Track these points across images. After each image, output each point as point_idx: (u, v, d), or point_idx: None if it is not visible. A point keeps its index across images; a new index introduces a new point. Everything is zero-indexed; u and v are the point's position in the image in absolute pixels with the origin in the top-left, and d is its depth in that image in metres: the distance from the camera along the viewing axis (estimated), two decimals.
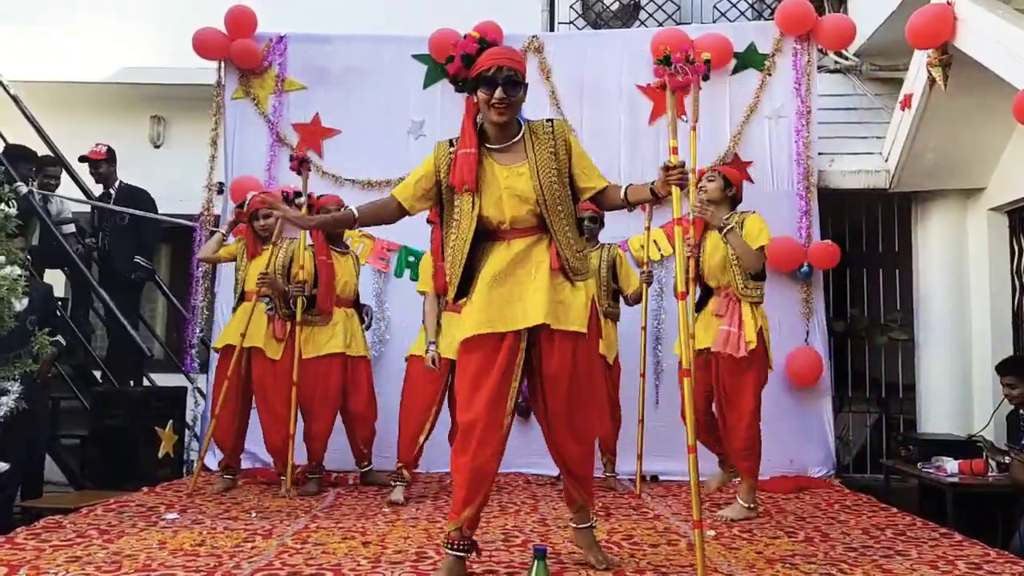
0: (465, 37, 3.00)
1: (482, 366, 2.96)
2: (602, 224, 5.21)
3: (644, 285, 5.06)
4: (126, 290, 6.42)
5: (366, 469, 5.15)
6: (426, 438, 4.62)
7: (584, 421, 3.07)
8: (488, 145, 3.05)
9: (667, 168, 2.94)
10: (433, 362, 4.43)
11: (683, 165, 2.94)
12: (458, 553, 2.98)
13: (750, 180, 5.75)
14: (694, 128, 3.82)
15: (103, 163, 6.49)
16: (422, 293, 4.70)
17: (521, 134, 3.05)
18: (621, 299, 5.23)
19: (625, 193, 3.06)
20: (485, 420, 2.91)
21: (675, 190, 2.95)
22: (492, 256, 3.03)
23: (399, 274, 6.09)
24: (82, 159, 6.52)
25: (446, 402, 4.65)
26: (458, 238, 3.02)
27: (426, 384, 4.60)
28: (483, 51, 2.96)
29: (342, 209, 4.58)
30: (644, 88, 6.03)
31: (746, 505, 4.24)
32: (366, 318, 5.25)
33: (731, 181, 4.45)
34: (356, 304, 5.19)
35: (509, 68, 2.92)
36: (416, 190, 3.09)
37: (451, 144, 3.07)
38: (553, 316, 2.96)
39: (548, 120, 3.12)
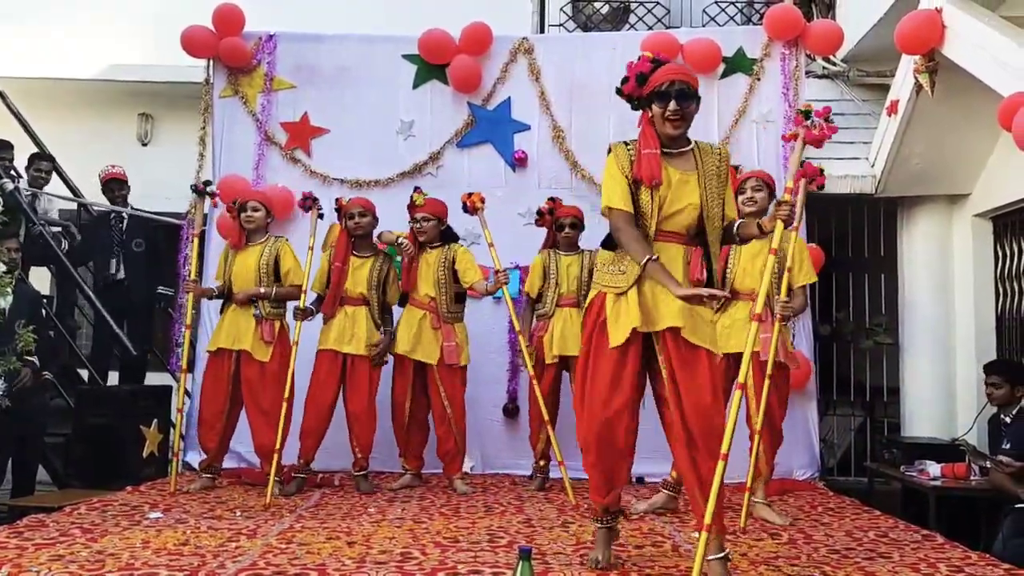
0: (640, 58, 3.16)
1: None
2: (583, 228, 5.23)
3: None
4: (142, 317, 6.40)
5: (360, 474, 5.01)
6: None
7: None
8: (666, 151, 3.15)
9: (779, 204, 3.13)
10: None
11: (791, 203, 3.15)
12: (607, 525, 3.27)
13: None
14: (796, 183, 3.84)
15: (125, 184, 6.47)
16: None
17: (691, 147, 3.19)
18: None
19: (737, 228, 3.23)
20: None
21: (779, 224, 3.12)
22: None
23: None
24: (107, 181, 6.45)
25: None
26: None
27: None
28: (656, 69, 3.11)
29: (368, 214, 5.02)
30: None
31: (769, 503, 4.36)
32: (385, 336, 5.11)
33: (773, 187, 4.47)
34: (383, 309, 5.12)
35: (682, 81, 3.08)
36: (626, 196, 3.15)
37: (626, 145, 3.19)
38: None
39: (718, 146, 3.27)
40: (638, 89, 3.13)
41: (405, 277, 5.07)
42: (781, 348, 4.25)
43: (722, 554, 3.03)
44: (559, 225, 5.19)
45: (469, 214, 4.99)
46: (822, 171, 4.36)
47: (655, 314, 3.07)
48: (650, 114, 3.13)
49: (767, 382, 4.13)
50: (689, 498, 3.19)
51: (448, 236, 5.17)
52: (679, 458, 3.15)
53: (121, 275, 6.34)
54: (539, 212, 5.31)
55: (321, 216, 5.08)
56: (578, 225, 5.18)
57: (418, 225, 5.05)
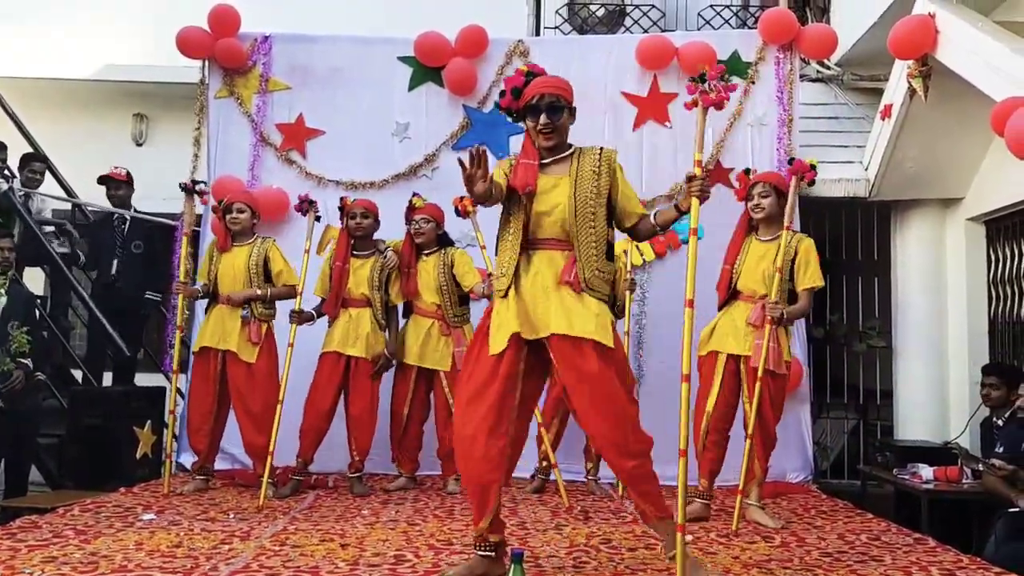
0: (515, 71, 3.18)
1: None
2: None
3: (627, 293, 5.10)
4: (134, 318, 6.40)
5: (354, 476, 5.00)
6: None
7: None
8: (541, 161, 3.17)
9: (690, 179, 3.06)
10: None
11: (706, 178, 3.06)
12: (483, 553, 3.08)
13: (731, 186, 5.79)
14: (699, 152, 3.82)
15: (123, 184, 6.45)
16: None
17: (569, 152, 3.20)
18: None
19: (655, 217, 3.22)
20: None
21: (694, 202, 3.04)
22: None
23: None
24: (101, 179, 6.46)
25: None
26: (509, 248, 3.12)
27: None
28: (529, 82, 3.12)
29: (370, 216, 5.03)
30: (629, 94, 6.07)
31: (762, 506, 4.34)
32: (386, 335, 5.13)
33: (783, 191, 4.35)
34: (387, 309, 5.12)
35: (551, 95, 3.11)
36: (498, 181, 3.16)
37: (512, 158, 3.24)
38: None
39: (600, 148, 3.25)
40: (514, 102, 3.13)
41: (404, 286, 5.08)
42: (774, 356, 4.18)
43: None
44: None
45: (461, 218, 4.99)
46: (813, 166, 4.31)
47: (536, 320, 3.04)
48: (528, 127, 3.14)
49: (758, 386, 4.13)
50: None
51: (443, 240, 5.17)
52: (607, 461, 3.16)
53: (115, 275, 6.33)
54: None
55: (318, 219, 5.09)
56: None
57: (416, 227, 5.07)
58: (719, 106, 3.23)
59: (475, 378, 3.03)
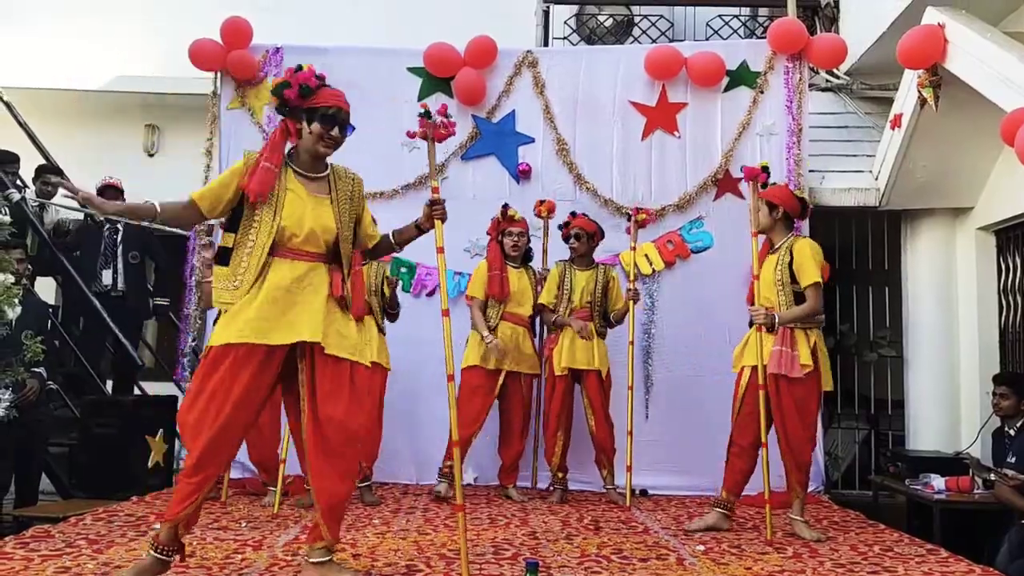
0: (298, 70, 3.12)
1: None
2: (591, 238, 5.26)
3: (631, 303, 5.13)
4: (133, 329, 6.43)
5: (364, 485, 4.97)
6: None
7: None
8: (295, 167, 3.17)
9: (431, 204, 3.30)
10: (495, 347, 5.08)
11: (442, 201, 3.31)
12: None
13: (741, 196, 5.80)
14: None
15: (119, 192, 6.47)
16: (472, 298, 5.23)
17: (328, 172, 3.23)
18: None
19: (392, 236, 3.39)
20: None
21: (437, 224, 3.32)
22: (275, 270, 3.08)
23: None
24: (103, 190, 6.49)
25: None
26: (256, 246, 3.06)
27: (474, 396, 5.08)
28: (321, 88, 3.14)
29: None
30: (637, 104, 6.09)
31: (806, 520, 4.30)
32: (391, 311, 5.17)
33: (776, 203, 4.35)
34: (375, 314, 5.08)
35: (347, 113, 3.17)
36: (215, 189, 3.14)
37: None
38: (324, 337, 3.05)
39: (349, 170, 3.30)
40: (299, 99, 3.09)
41: (494, 289, 5.19)
42: (787, 360, 4.16)
43: (327, 558, 3.12)
44: (567, 236, 5.25)
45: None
46: (764, 168, 4.38)
47: (284, 325, 3.01)
48: (299, 127, 3.11)
49: (768, 391, 4.12)
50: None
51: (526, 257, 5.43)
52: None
53: (121, 287, 6.34)
54: (559, 225, 5.41)
55: None
56: (582, 236, 5.22)
57: (513, 240, 5.23)
58: (441, 139, 3.54)
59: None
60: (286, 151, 3.20)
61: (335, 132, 3.13)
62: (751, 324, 4.38)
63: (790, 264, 4.22)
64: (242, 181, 3.07)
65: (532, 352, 5.31)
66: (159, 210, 3.11)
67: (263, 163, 3.07)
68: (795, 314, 4.18)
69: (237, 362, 2.97)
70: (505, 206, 5.28)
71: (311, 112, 3.10)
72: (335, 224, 3.14)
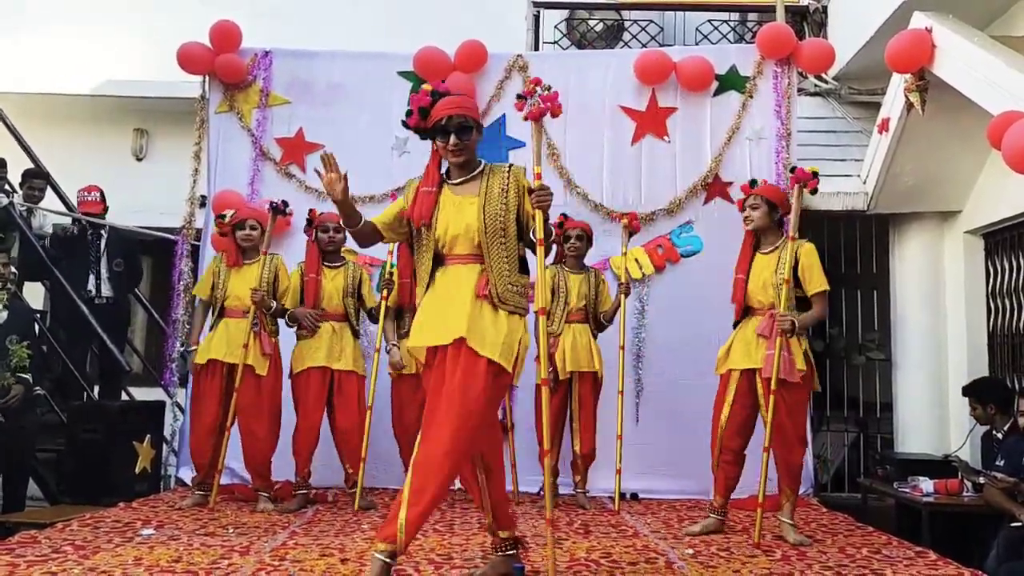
0: (419, 91, 3.23)
1: None
2: (590, 243, 5.27)
3: (622, 296, 5.15)
4: (118, 335, 6.42)
5: (353, 490, 4.98)
6: None
7: None
8: (450, 182, 3.29)
9: (531, 191, 3.15)
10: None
11: (548, 188, 3.15)
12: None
13: (730, 200, 5.81)
14: None
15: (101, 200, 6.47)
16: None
17: (477, 172, 3.27)
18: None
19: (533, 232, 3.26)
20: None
21: (538, 214, 3.15)
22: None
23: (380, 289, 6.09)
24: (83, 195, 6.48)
25: None
26: (422, 265, 3.23)
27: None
28: (436, 102, 3.20)
29: (343, 230, 4.83)
30: (627, 109, 6.10)
31: (794, 524, 4.29)
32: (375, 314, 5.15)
33: (776, 203, 4.36)
34: (350, 317, 5.11)
35: (459, 116, 3.18)
36: (391, 221, 3.32)
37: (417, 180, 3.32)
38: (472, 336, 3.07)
39: (509, 164, 3.34)
40: (422, 122, 3.21)
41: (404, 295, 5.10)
42: (786, 365, 4.13)
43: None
44: (565, 237, 5.23)
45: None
46: (815, 174, 4.32)
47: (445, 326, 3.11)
48: (435, 146, 3.23)
49: (772, 398, 4.12)
50: None
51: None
52: None
53: (106, 293, 6.30)
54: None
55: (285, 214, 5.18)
56: (584, 237, 5.23)
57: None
58: (554, 114, 3.40)
59: None
60: (443, 170, 3.30)
61: (452, 140, 3.16)
62: (735, 326, 4.40)
63: (795, 268, 4.23)
64: (404, 211, 3.25)
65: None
66: (363, 222, 3.29)
67: (422, 188, 3.22)
68: (812, 320, 4.25)
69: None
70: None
71: (433, 130, 3.20)
72: (477, 221, 3.15)
